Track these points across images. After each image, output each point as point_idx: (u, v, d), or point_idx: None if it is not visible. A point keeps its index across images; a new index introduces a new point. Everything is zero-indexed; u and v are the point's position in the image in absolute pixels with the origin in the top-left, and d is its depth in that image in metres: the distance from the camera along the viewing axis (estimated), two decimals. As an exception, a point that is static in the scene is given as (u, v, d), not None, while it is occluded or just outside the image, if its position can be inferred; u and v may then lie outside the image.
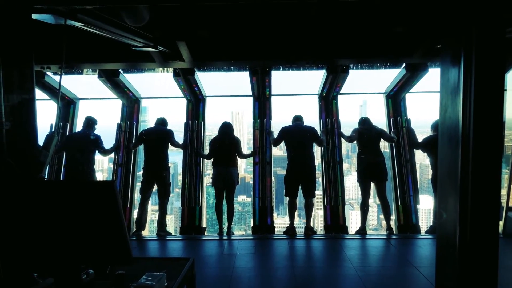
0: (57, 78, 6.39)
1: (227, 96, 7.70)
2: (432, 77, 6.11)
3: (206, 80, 6.85)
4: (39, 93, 6.63)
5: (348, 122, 6.68)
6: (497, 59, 1.62)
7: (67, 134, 6.79)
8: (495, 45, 1.62)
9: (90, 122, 6.07)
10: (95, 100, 7.83)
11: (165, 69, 6.06)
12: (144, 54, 5.00)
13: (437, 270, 2.09)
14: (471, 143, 1.64)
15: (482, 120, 1.64)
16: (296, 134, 5.79)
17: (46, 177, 6.46)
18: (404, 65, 5.89)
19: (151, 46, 4.07)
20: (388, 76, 6.63)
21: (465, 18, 1.69)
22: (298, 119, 5.94)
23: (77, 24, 2.54)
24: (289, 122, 6.02)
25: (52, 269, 1.70)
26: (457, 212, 1.73)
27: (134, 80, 6.72)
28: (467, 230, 1.72)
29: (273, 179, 6.96)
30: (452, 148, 1.76)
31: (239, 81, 6.76)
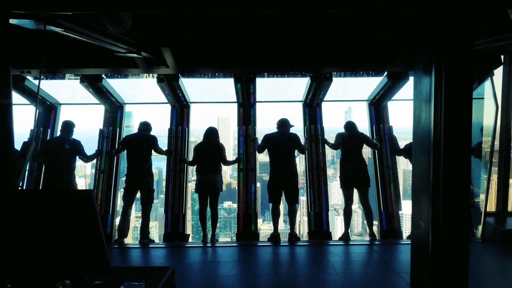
0: (37, 82, 6.27)
1: (212, 102, 7.69)
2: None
3: (192, 86, 6.85)
4: (19, 98, 6.49)
5: (333, 128, 6.74)
6: (466, 71, 1.68)
7: (47, 140, 6.62)
8: (464, 57, 1.69)
9: (67, 127, 5.93)
10: (77, 106, 7.71)
11: (150, 74, 6.02)
12: (128, 60, 4.95)
13: (412, 275, 2.14)
14: (442, 151, 1.70)
15: (452, 129, 1.70)
16: (278, 141, 5.82)
17: (23, 185, 6.29)
18: (386, 73, 6.01)
19: (134, 52, 4.05)
20: (371, 84, 6.76)
21: (436, 32, 1.75)
22: (283, 124, 5.94)
23: (58, 29, 2.51)
24: (274, 129, 6.03)
25: (27, 280, 1.66)
26: (429, 218, 1.78)
27: (118, 85, 6.66)
28: (439, 235, 1.77)
29: (258, 185, 6.94)
30: (425, 156, 1.81)
31: (225, 87, 6.77)
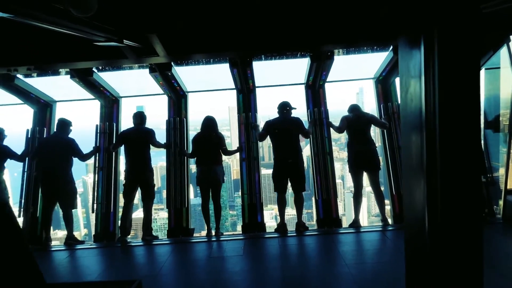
0: (28, 80, 6.08)
1: (209, 90, 7.37)
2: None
3: (189, 75, 6.55)
4: (12, 98, 6.33)
5: (342, 111, 6.31)
6: (468, 35, 1.34)
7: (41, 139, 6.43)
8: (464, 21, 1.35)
9: (61, 125, 5.73)
10: (74, 102, 7.54)
11: (143, 65, 5.73)
12: (115, 51, 4.68)
13: (407, 262, 1.83)
14: (437, 122, 1.37)
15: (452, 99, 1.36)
16: (281, 127, 5.49)
17: (22, 185, 6.16)
18: (391, 47, 5.59)
19: (114, 40, 3.75)
20: (377, 61, 6.34)
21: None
22: (283, 107, 5.60)
23: (6, 15, 2.23)
24: (276, 114, 5.69)
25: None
26: (424, 195, 1.47)
27: (113, 78, 6.40)
28: (437, 213, 1.44)
29: (266, 172, 6.64)
30: (416, 128, 1.50)
31: (223, 74, 6.44)
